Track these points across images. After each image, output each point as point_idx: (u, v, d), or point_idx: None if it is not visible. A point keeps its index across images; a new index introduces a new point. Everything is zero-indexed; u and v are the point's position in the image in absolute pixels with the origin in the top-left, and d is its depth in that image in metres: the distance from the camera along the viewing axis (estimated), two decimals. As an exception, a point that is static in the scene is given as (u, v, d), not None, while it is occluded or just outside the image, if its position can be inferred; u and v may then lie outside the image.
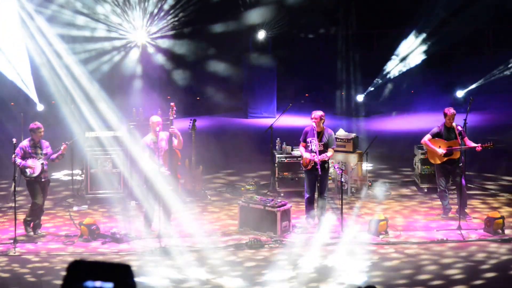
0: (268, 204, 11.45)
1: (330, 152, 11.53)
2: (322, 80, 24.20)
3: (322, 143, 11.51)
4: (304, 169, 11.72)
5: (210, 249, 10.55)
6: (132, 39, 20.64)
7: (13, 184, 10.92)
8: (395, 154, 16.55)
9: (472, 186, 13.78)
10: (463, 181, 11.84)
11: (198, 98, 23.76)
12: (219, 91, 22.77)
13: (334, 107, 23.15)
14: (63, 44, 17.89)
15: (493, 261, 10.28)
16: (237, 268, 9.97)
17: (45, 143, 11.44)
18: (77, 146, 13.33)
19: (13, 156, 11.09)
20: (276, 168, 13.62)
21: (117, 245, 10.84)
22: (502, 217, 11.43)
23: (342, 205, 11.22)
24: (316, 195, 11.73)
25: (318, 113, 11.58)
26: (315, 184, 11.59)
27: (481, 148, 11.83)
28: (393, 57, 22.99)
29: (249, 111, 22.78)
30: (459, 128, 11.91)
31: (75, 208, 12.84)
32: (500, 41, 24.71)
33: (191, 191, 13.35)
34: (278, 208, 11.30)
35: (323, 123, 11.62)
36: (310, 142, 11.52)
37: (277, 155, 13.64)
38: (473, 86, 22.26)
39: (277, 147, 13.88)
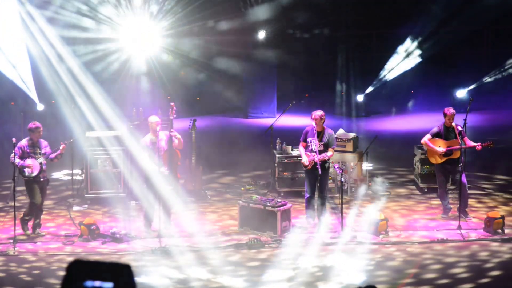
0: (268, 204, 11.46)
1: (330, 152, 11.53)
2: (322, 80, 24.20)
3: (323, 143, 11.52)
4: (304, 168, 11.73)
5: (210, 249, 10.55)
6: (130, 39, 20.65)
7: (13, 184, 10.92)
8: (392, 154, 16.55)
9: (469, 185, 13.79)
10: (464, 179, 11.83)
11: (198, 98, 23.75)
12: (219, 91, 22.78)
13: (334, 107, 23.16)
14: (64, 44, 17.88)
15: (496, 260, 10.30)
16: (237, 268, 9.97)
17: (44, 143, 11.43)
18: (77, 146, 13.33)
19: (12, 155, 11.09)
20: (276, 168, 13.62)
21: (117, 245, 10.84)
22: (502, 217, 11.44)
23: (342, 204, 11.22)
24: (316, 195, 11.73)
25: (318, 112, 11.58)
26: (315, 184, 11.60)
27: (481, 147, 11.83)
28: (389, 60, 23.02)
29: (249, 111, 22.78)
30: (459, 127, 11.92)
31: (75, 208, 12.84)
32: (500, 41, 24.71)
33: (191, 191, 13.35)
34: (278, 208, 11.31)
35: (323, 123, 11.62)
36: (310, 142, 11.53)
37: (277, 155, 13.65)
38: (473, 86, 22.26)
39: (277, 147, 13.88)
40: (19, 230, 11.13)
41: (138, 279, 8.99)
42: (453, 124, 11.94)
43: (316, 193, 11.70)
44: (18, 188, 11.31)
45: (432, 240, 11.03)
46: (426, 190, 13.63)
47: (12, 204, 11.17)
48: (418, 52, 22.94)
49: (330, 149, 11.56)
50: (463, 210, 11.84)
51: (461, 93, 21.89)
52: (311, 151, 11.48)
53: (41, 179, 11.35)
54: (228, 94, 22.85)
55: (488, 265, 10.13)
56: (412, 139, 15.50)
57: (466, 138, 11.97)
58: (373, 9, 23.55)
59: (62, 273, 9.48)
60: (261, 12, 22.04)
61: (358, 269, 9.88)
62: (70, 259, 9.04)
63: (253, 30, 22.21)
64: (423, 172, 13.67)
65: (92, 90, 17.08)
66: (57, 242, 11.05)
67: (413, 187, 14.11)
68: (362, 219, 11.75)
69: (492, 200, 13.34)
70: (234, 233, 11.48)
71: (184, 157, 12.51)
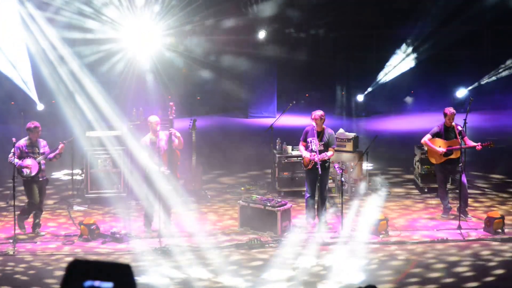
0: (269, 204, 11.46)
1: (330, 152, 11.54)
2: (322, 80, 24.21)
3: (323, 142, 11.52)
4: (304, 168, 11.73)
5: (211, 248, 10.55)
6: (132, 39, 20.65)
7: (13, 184, 10.91)
8: (389, 154, 16.56)
9: (468, 185, 13.80)
10: (464, 179, 11.83)
11: (198, 98, 23.76)
12: (219, 91, 22.79)
13: (334, 107, 23.16)
14: (64, 44, 17.89)
15: (498, 259, 10.30)
16: (237, 267, 9.97)
17: (42, 142, 11.41)
18: (77, 146, 13.33)
19: (10, 155, 11.09)
20: (276, 168, 13.62)
21: (117, 245, 10.84)
22: (502, 217, 11.44)
23: (342, 204, 11.23)
24: (316, 195, 11.73)
25: (318, 112, 11.59)
26: (315, 184, 11.60)
27: (481, 147, 11.83)
28: (390, 60, 23.03)
29: (249, 111, 22.79)
30: (459, 127, 11.92)
31: (75, 208, 12.84)
32: (499, 41, 24.71)
33: (191, 191, 13.35)
34: (279, 208, 11.31)
35: (323, 123, 11.63)
36: (311, 142, 11.53)
37: (277, 155, 13.65)
38: (473, 85, 22.26)
39: (277, 147, 13.89)
40: (19, 230, 11.13)
41: (138, 279, 8.99)
42: (453, 124, 11.94)
43: (316, 193, 11.70)
44: (18, 188, 11.30)
45: (432, 240, 11.03)
46: (426, 190, 13.63)
47: (12, 203, 11.17)
48: (418, 52, 22.94)
49: (330, 148, 11.57)
50: (463, 210, 11.84)
51: (461, 93, 21.88)
52: (311, 151, 11.49)
53: (40, 179, 11.33)
54: (229, 94, 22.86)
55: (491, 263, 10.14)
56: (412, 139, 15.49)
57: (466, 138, 11.97)
58: (373, 8, 23.56)
59: (61, 273, 9.51)
60: (262, 12, 22.04)
61: (358, 268, 9.88)
62: (70, 259, 9.05)
63: (254, 30, 22.21)
64: (423, 172, 13.67)
65: (92, 90, 17.09)
66: (57, 242, 11.04)
67: (413, 186, 14.12)
68: (361, 219, 11.75)
69: (489, 199, 13.35)
70: (234, 233, 11.48)
71: (184, 157, 12.51)
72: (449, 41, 22.69)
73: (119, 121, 14.56)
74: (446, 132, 12.02)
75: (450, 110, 12.01)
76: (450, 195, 12.49)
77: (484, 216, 11.69)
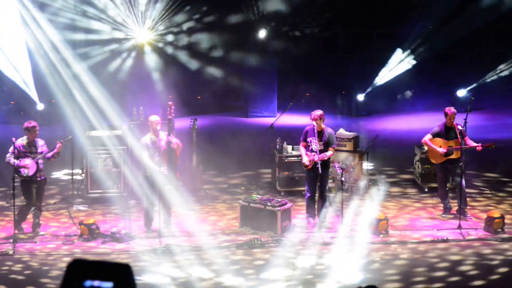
0: (269, 204, 11.45)
1: (330, 152, 11.54)
2: (323, 80, 24.18)
3: (323, 142, 11.52)
4: (304, 168, 11.73)
5: (211, 248, 10.55)
6: (136, 37, 20.67)
7: (12, 184, 10.91)
8: (388, 154, 16.55)
9: (467, 184, 13.81)
10: (463, 182, 11.83)
11: (199, 97, 23.75)
12: (219, 91, 22.77)
13: (334, 106, 23.14)
14: (64, 44, 17.90)
15: (501, 257, 10.32)
16: (237, 267, 9.97)
17: (40, 142, 11.38)
18: (76, 145, 13.31)
19: (8, 155, 11.07)
20: (277, 168, 13.61)
21: (117, 245, 10.83)
22: (502, 217, 11.43)
23: (342, 204, 11.22)
24: (316, 194, 11.73)
25: (318, 112, 11.59)
26: (315, 183, 11.61)
27: (481, 147, 11.82)
28: (389, 60, 23.02)
29: (249, 110, 22.77)
30: (460, 127, 11.91)
31: (75, 208, 12.83)
32: (499, 40, 24.70)
33: (192, 190, 13.34)
34: (279, 208, 11.30)
35: (323, 122, 11.62)
36: (311, 142, 11.53)
37: (277, 155, 13.64)
38: (473, 85, 22.24)
39: (277, 146, 13.88)
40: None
41: (138, 279, 8.99)
42: (454, 123, 11.93)
43: (317, 192, 11.70)
44: (18, 188, 11.28)
45: (432, 239, 11.02)
46: (426, 190, 13.62)
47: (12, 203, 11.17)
48: (418, 52, 22.92)
49: (330, 148, 11.57)
50: (463, 209, 11.83)
51: (462, 93, 21.87)
52: (311, 150, 11.49)
53: (38, 179, 11.30)
54: (229, 93, 22.84)
55: (494, 262, 10.17)
56: (411, 139, 15.49)
57: (467, 138, 11.96)
58: (373, 8, 23.55)
59: (58, 272, 9.52)
60: (262, 11, 22.02)
61: (357, 268, 9.88)
62: (69, 259, 9.05)
63: (254, 28, 22.20)
64: (423, 172, 13.66)
65: (93, 89, 17.09)
66: (57, 242, 11.03)
67: (413, 186, 14.11)
68: (362, 219, 11.75)
69: (487, 199, 13.35)
70: (234, 232, 11.48)
71: (184, 156, 12.51)
72: (450, 41, 22.66)
73: (120, 120, 14.55)
74: (446, 132, 12.01)
75: (450, 109, 12.00)
76: (450, 194, 12.48)
77: (483, 215, 11.69)
